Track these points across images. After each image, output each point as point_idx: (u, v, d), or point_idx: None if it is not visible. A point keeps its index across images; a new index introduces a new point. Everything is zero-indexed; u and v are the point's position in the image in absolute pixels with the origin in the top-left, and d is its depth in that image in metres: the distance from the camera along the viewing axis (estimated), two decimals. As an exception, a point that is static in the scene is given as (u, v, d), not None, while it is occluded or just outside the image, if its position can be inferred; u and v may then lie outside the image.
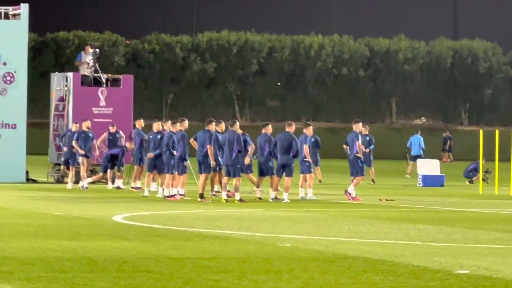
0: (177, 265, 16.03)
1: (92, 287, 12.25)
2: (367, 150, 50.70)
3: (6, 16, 49.49)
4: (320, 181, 48.99)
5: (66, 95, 49.91)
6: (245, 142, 39.14)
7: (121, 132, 46.63)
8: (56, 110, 50.26)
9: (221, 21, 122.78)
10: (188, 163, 40.90)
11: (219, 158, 38.59)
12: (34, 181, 49.04)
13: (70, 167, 45.87)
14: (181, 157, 39.15)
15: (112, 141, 45.68)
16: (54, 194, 41.82)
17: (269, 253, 17.87)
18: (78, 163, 45.47)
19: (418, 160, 57.31)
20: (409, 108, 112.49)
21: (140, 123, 45.14)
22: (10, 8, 49.75)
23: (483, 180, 49.57)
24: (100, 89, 49.12)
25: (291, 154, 38.34)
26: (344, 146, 43.56)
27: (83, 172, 45.27)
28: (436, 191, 48.27)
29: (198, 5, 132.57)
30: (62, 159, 47.15)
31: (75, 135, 45.07)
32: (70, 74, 50.74)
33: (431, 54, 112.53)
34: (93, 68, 49.31)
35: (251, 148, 39.47)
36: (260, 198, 38.69)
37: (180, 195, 38.82)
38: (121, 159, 45.99)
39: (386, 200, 39.10)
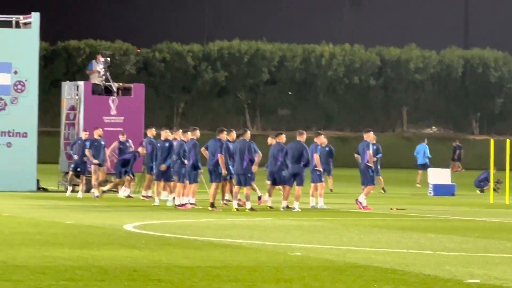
0: (188, 274, 15.85)
1: None
2: (375, 158, 50.52)
3: (17, 25, 49.61)
4: (331, 190, 48.81)
5: (77, 104, 49.98)
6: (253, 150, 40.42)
7: (130, 141, 46.54)
8: (67, 119, 50.45)
9: (232, 30, 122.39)
10: (201, 171, 40.62)
11: (230, 167, 38.45)
12: (45, 189, 48.84)
13: (81, 175, 45.86)
14: (193, 166, 38.87)
15: (122, 150, 45.75)
16: (64, 203, 41.79)
17: (279, 262, 17.63)
18: (89, 172, 45.58)
19: (429, 170, 57.16)
20: (420, 117, 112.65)
21: (151, 132, 45.12)
22: (21, 17, 49.75)
23: (494, 190, 49.14)
24: (111, 98, 49.25)
25: (302, 163, 38.41)
26: (355, 155, 43.85)
27: (94, 180, 45.02)
28: (446, 200, 47.97)
29: (209, 14, 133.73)
30: (72, 166, 47.02)
31: (87, 143, 45.12)
32: (81, 83, 50.93)
33: (442, 63, 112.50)
34: (104, 77, 49.37)
35: (257, 156, 39.17)
36: (271, 207, 38.50)
37: (191, 204, 38.59)
38: (132, 164, 45.86)
39: (397, 209, 38.99)
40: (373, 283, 13.36)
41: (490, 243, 24.39)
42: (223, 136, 38.14)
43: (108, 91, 49.26)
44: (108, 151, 45.61)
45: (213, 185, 38.03)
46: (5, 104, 47.11)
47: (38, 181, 48.66)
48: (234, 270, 16.87)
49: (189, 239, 25.07)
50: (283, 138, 39.45)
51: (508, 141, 47.40)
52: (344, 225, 32.42)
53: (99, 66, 50.09)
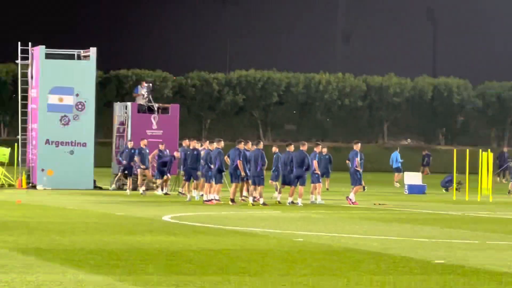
0: (213, 255, 16.77)
1: (146, 272, 12.75)
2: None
3: (79, 57, 50.25)
4: (327, 189, 49.00)
5: (125, 120, 50.32)
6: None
7: (167, 150, 46.75)
8: (117, 132, 50.61)
9: (249, 62, 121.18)
10: (225, 173, 40.73)
11: (247, 170, 38.89)
12: (100, 188, 48.89)
13: (128, 177, 46.19)
14: (218, 169, 38.86)
15: (161, 156, 45.86)
16: (116, 199, 42.24)
17: (286, 246, 18.33)
18: (135, 174, 45.87)
19: (405, 173, 56.65)
20: (397, 131, 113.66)
21: (186, 143, 44.43)
22: (82, 51, 50.31)
23: (457, 189, 49.56)
24: (153, 115, 49.31)
25: (304, 167, 38.71)
26: (347, 162, 43.30)
27: (140, 181, 45.46)
28: (419, 197, 47.89)
29: (230, 49, 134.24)
30: (121, 168, 47.44)
31: (136, 151, 45.49)
32: (129, 104, 51.29)
33: (415, 89, 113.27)
34: (147, 99, 49.84)
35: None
36: (279, 202, 38.72)
37: (216, 200, 38.68)
38: (170, 165, 46.11)
39: (379, 204, 39.54)
40: (360, 262, 14.27)
41: (453, 231, 25.00)
42: (241, 146, 38.56)
43: (150, 110, 49.52)
44: (150, 156, 45.74)
45: (233, 185, 38.79)
46: (69, 120, 47.28)
47: (94, 181, 48.86)
48: (250, 252, 17.71)
49: (214, 227, 25.66)
50: (292, 147, 39.91)
51: (467, 150, 47.95)
52: (338, 217, 32.79)
53: (143, 90, 50.63)
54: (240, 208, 36.31)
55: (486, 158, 48.35)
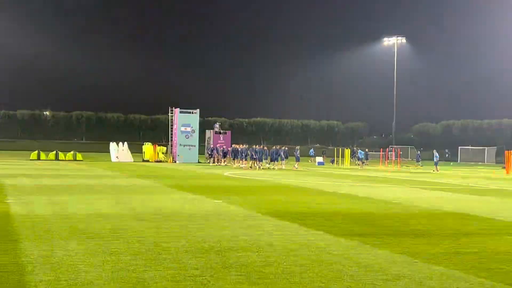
0: (258, 189, 23.28)
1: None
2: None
3: (191, 112, 61.74)
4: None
5: (210, 137, 63.41)
6: (280, 151, 50.80)
7: (224, 147, 58.09)
8: (207, 142, 63.39)
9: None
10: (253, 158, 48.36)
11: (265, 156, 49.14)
12: (200, 163, 58.94)
13: (210, 158, 58.20)
14: (254, 156, 48.43)
15: (224, 150, 57.19)
16: (204, 167, 49.89)
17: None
18: (213, 159, 56.76)
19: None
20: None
21: (235, 145, 54.11)
22: (192, 110, 61.61)
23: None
24: (221, 135, 62.12)
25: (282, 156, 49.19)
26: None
27: (216, 160, 55.89)
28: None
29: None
30: (208, 155, 59.65)
31: (214, 149, 57.79)
32: (211, 130, 63.69)
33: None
34: (218, 129, 62.80)
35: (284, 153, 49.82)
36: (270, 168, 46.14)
37: (244, 167, 47.03)
38: (227, 153, 55.48)
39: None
40: (344, 198, 19.84)
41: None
42: (260, 147, 49.83)
43: (219, 133, 62.18)
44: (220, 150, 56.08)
45: (250, 162, 47.55)
46: (189, 136, 61.21)
47: (198, 160, 60.25)
48: (278, 187, 25.51)
49: (256, 179, 31.39)
50: (281, 147, 50.67)
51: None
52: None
53: (216, 126, 63.82)
54: (259, 172, 41.16)
55: None
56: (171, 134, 62.20)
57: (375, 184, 28.93)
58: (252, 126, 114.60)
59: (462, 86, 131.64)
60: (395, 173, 44.21)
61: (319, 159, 65.07)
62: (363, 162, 57.91)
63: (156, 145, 62.79)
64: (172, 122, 61.33)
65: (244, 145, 52.45)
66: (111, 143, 63.55)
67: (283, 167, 48.99)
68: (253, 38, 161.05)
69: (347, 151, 64.17)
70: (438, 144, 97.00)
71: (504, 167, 54.63)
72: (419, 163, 66.53)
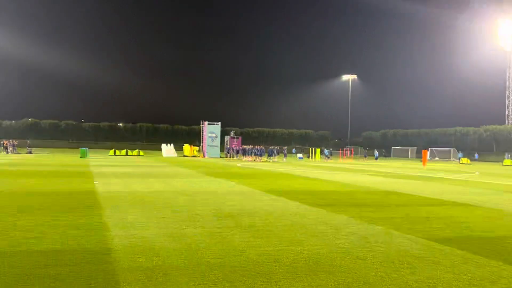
0: (258, 175, 23.10)
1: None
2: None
3: (214, 124, 54.48)
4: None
5: (227, 140, 57.00)
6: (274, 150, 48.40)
7: (237, 147, 52.53)
8: (226, 144, 58.16)
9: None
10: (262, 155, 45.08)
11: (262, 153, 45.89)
12: (221, 157, 52.86)
13: (227, 154, 53.09)
14: (257, 153, 46.26)
15: (237, 149, 51.74)
16: (224, 160, 45.11)
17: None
18: (230, 154, 52.28)
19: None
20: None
21: (244, 146, 51.41)
22: (215, 122, 54.51)
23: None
24: (234, 139, 56.18)
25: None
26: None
27: (231, 156, 51.41)
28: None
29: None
30: (226, 152, 54.44)
31: (230, 148, 53.12)
32: (228, 136, 58.03)
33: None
34: (233, 135, 56.99)
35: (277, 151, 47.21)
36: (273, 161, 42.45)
37: (250, 161, 43.07)
38: (240, 151, 49.49)
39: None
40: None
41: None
42: (260, 146, 47.67)
43: (233, 138, 56.36)
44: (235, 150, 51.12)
45: (254, 157, 44.52)
46: (213, 140, 55.22)
47: (220, 156, 54.24)
48: (277, 175, 23.75)
49: (254, 168, 30.76)
50: (273, 147, 47.52)
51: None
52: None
53: (231, 133, 58.04)
54: (268, 164, 38.18)
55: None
56: (202, 138, 57.67)
57: (335, 171, 27.70)
58: (256, 133, 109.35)
59: (393, 106, 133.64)
60: (349, 164, 42.01)
61: (300, 155, 62.36)
62: (328, 157, 55.99)
63: (192, 146, 59.28)
64: (202, 130, 56.94)
65: (250, 146, 51.10)
66: (162, 144, 60.40)
67: (276, 160, 46.99)
68: (255, 75, 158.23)
69: (318, 150, 62.10)
70: (378, 145, 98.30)
71: (421, 161, 53.91)
72: (366, 158, 65.78)
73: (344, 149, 78.23)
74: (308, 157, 65.98)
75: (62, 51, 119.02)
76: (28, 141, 64.54)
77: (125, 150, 58.53)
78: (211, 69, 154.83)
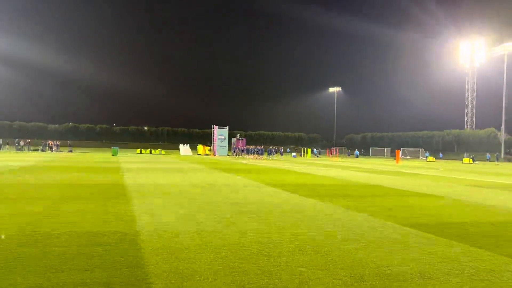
0: (260, 171, 22.05)
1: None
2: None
3: (223, 128, 52.61)
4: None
5: (234, 142, 55.93)
6: (276, 149, 50.27)
7: (242, 147, 50.79)
8: (232, 144, 56.00)
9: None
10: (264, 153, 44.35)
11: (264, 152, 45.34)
12: (228, 156, 50.65)
13: (234, 153, 51.75)
14: (258, 152, 44.92)
15: (242, 149, 50.33)
16: (232, 158, 43.60)
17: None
18: (237, 153, 50.60)
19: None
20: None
21: (248, 146, 49.73)
22: (217, 126, 52.14)
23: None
24: (240, 141, 55.28)
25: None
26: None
27: (236, 154, 49.98)
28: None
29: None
30: (233, 152, 51.69)
31: (236, 148, 51.19)
32: (235, 138, 55.24)
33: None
34: (238, 136, 56.94)
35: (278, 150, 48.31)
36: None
37: (252, 159, 41.32)
38: (245, 150, 47.85)
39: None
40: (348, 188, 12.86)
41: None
42: (262, 147, 47.37)
43: (239, 139, 55.51)
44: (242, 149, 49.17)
45: (255, 156, 43.47)
46: (222, 141, 52.44)
47: (228, 154, 53.06)
48: (281, 172, 21.55)
49: (256, 164, 30.76)
50: (268, 146, 46.29)
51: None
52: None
53: (237, 135, 58.27)
54: (263, 161, 36.46)
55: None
56: (213, 139, 55.64)
57: (323, 168, 26.72)
58: (257, 136, 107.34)
59: (371, 113, 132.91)
60: (336, 162, 40.54)
61: (294, 154, 62.12)
62: (317, 156, 56.62)
63: (204, 146, 57.45)
64: (213, 133, 55.19)
65: (253, 146, 50.24)
66: (180, 144, 59.52)
67: (274, 158, 45.71)
68: (258, 87, 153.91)
69: (309, 150, 61.27)
70: (359, 146, 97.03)
71: (395, 159, 51.83)
72: (349, 156, 65.94)
73: (331, 149, 77.79)
74: (301, 155, 64.85)
75: (98, 65, 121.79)
76: (69, 142, 65.17)
77: (149, 149, 57.14)
78: (222, 80, 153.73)
